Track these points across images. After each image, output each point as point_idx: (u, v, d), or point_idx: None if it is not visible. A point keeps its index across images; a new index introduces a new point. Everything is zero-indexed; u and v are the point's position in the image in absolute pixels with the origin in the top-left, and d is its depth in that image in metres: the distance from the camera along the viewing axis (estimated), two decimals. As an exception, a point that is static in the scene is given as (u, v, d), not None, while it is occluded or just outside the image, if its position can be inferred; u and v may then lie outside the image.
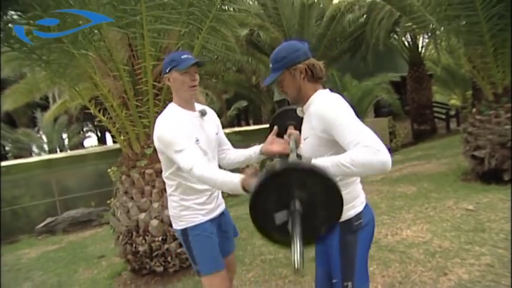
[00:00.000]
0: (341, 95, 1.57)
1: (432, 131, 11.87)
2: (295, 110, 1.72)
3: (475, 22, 4.51)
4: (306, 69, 1.53)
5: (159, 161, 3.77)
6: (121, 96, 3.66)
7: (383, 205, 4.72)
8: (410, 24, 7.53)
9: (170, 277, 3.65)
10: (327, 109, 1.46)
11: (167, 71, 1.82)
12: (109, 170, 6.91)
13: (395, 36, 11.64)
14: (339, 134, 1.39)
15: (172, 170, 1.87)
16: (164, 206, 3.68)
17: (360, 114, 9.28)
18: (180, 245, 3.70)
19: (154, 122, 3.79)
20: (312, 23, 9.79)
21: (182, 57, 1.79)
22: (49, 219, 7.62)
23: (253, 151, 2.00)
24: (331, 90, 1.61)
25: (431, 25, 5.45)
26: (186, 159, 1.67)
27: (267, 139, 1.93)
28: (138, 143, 3.82)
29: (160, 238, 3.60)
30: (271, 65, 1.59)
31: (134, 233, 3.65)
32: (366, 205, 1.61)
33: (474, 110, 5.05)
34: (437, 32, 5.38)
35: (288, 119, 1.91)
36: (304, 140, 1.58)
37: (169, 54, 1.90)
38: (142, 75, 3.62)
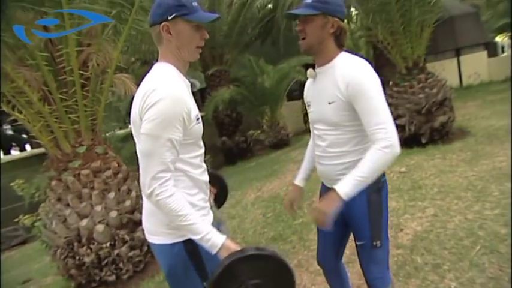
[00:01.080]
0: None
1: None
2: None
3: (387, 2, 4.92)
4: (338, 27, 1.47)
5: (94, 159, 3.46)
6: (41, 89, 3.12)
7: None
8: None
9: (125, 285, 3.30)
10: (358, 77, 1.39)
11: (169, 17, 1.24)
12: (12, 184, 6.00)
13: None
14: (364, 109, 1.38)
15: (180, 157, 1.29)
16: (108, 208, 3.29)
17: (279, 96, 9.55)
18: (132, 248, 3.36)
19: (84, 117, 3.40)
20: (223, 9, 9.68)
21: (194, 4, 1.28)
22: None
23: None
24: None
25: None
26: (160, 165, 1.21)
27: None
28: (68, 142, 3.32)
29: (108, 244, 3.22)
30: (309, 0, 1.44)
31: (76, 244, 3.19)
32: None
33: (391, 83, 5.55)
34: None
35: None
36: (330, 104, 1.48)
37: None
38: (65, 63, 3.13)
